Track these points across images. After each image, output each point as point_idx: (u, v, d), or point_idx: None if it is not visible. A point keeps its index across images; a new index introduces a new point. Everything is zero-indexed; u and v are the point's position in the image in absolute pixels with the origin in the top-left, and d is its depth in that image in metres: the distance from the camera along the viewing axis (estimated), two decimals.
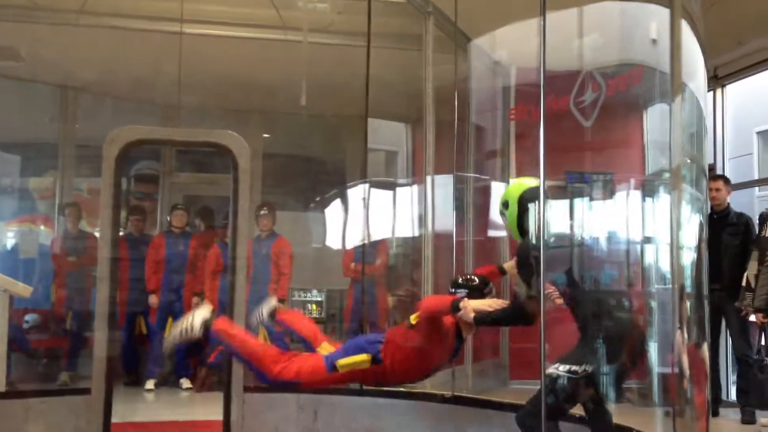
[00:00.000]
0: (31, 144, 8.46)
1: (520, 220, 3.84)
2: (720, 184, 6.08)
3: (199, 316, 4.03)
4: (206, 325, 3.98)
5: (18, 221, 8.20)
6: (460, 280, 4.12)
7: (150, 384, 7.06)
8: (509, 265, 4.31)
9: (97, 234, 7.71)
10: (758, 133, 8.15)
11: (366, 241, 7.06)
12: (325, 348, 4.18)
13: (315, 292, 9.01)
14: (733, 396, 6.42)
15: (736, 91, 7.26)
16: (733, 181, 6.44)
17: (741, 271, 5.75)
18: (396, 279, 7.93)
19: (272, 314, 4.61)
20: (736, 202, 6.47)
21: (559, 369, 3.59)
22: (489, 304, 3.81)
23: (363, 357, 3.86)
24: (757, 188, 7.72)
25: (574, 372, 3.56)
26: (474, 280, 4.08)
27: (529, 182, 3.91)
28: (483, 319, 3.78)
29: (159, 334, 7.00)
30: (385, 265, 7.42)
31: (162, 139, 5.92)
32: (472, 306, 3.75)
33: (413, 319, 3.92)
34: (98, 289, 5.30)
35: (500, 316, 3.81)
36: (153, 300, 7.19)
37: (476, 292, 3.96)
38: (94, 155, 8.08)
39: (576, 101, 5.65)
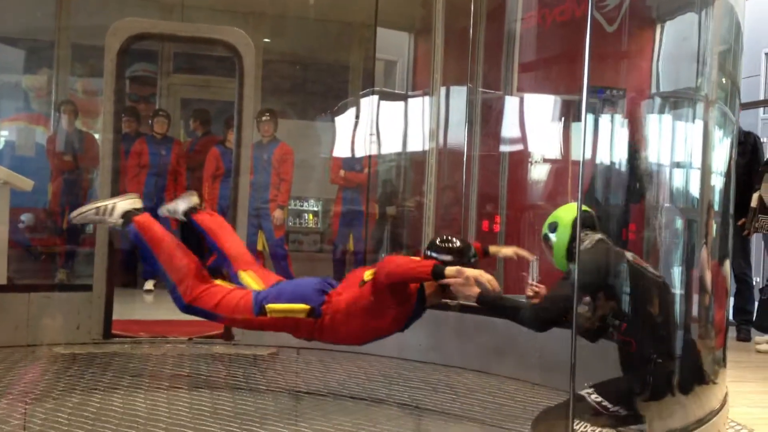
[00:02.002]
0: (25, 40, 8.21)
1: (569, 246, 3.39)
2: None
3: (122, 204, 3.55)
4: (126, 217, 3.51)
5: (13, 119, 8.04)
6: (439, 242, 3.47)
7: (149, 284, 7.07)
8: (497, 249, 3.76)
9: (93, 134, 7.66)
10: (766, 54, 8.02)
11: (372, 153, 6.97)
12: (249, 279, 3.61)
13: (312, 201, 8.98)
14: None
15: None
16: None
17: (747, 191, 5.73)
18: (392, 191, 7.88)
19: (189, 212, 3.84)
20: (742, 123, 6.40)
21: (591, 396, 3.23)
22: (488, 279, 3.20)
23: (300, 307, 3.33)
24: (762, 109, 7.65)
25: (605, 408, 3.22)
26: (457, 244, 3.44)
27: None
28: (490, 302, 3.33)
29: None
30: (373, 174, 7.28)
31: (165, 33, 5.76)
32: (469, 275, 3.14)
33: (368, 275, 3.35)
34: (100, 185, 5.27)
35: (514, 308, 3.41)
36: None
37: (460, 261, 3.32)
38: (90, 54, 7.95)
39: (599, 4, 5.46)
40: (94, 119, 8.22)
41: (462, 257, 3.36)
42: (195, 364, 4.91)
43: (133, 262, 7.28)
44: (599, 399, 3.22)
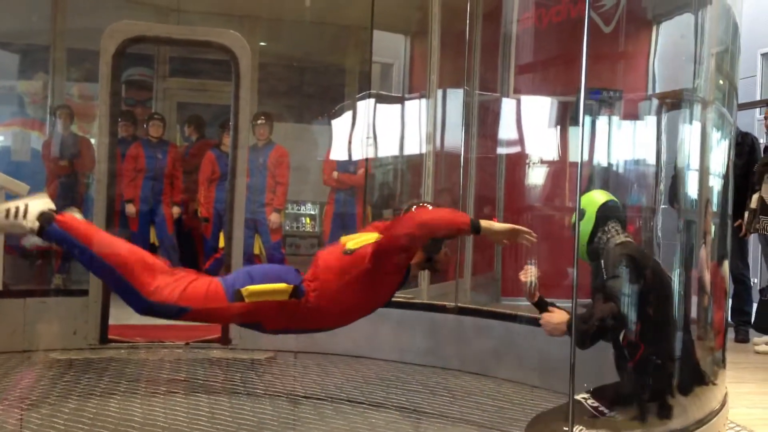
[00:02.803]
0: (20, 44, 8.19)
1: (592, 236, 3.31)
2: None
3: (34, 204, 2.87)
4: (44, 218, 2.83)
5: (7, 124, 8.02)
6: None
7: None
8: (489, 224, 3.00)
9: (89, 138, 7.64)
10: (763, 54, 8.02)
11: (369, 156, 6.94)
12: None
13: (309, 205, 8.96)
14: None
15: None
16: None
17: (744, 191, 5.72)
18: (389, 193, 7.87)
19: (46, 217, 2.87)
20: (739, 123, 6.40)
21: (588, 402, 3.18)
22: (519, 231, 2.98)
23: (281, 286, 2.89)
24: (758, 110, 7.64)
25: (601, 413, 3.16)
26: None
27: (607, 195, 3.40)
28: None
29: (145, 242, 7.03)
30: (364, 176, 7.21)
31: (161, 36, 5.74)
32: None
33: (353, 244, 3.02)
34: (96, 189, 5.24)
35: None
36: (130, 209, 7.10)
37: None
38: (86, 58, 7.92)
39: (595, 5, 5.45)
40: (91, 123, 8.18)
41: None
42: (192, 369, 4.89)
43: None
44: (596, 404, 3.17)
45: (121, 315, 5.58)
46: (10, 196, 5.54)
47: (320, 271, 2.99)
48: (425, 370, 5.05)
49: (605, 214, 3.33)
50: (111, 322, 5.28)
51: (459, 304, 5.27)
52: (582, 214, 3.33)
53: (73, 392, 4.25)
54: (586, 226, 3.33)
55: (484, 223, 2.90)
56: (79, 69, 8.12)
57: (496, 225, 2.95)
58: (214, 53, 6.21)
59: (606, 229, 3.32)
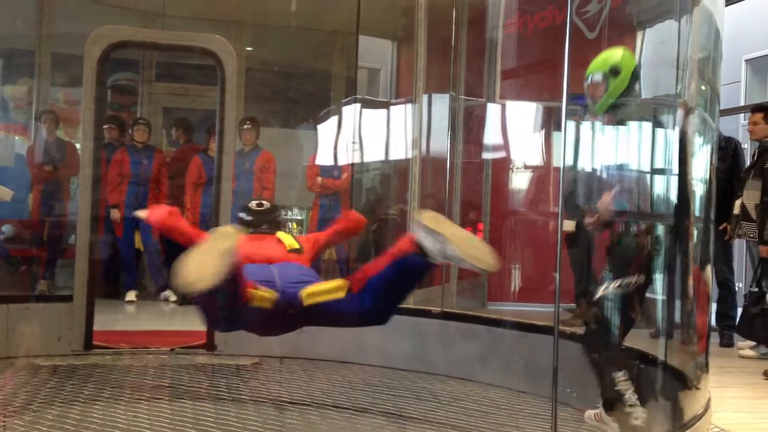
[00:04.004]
0: (3, 48, 8.14)
1: (623, 94, 3.40)
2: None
3: None
4: None
5: None
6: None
7: (131, 295, 7.01)
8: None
9: (74, 143, 7.60)
10: (747, 60, 8.09)
11: (355, 161, 6.93)
12: None
13: (296, 210, 8.93)
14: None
15: (725, 17, 7.13)
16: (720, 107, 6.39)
17: (728, 196, 5.75)
18: (375, 198, 7.86)
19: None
20: (724, 129, 6.44)
21: (610, 287, 3.32)
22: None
23: (336, 284, 2.98)
24: (742, 116, 7.70)
25: (627, 284, 3.31)
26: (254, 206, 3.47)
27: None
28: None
29: (130, 247, 7.00)
30: (348, 181, 7.19)
31: (145, 41, 5.72)
32: None
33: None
34: (80, 194, 5.22)
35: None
36: (115, 214, 7.05)
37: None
38: (71, 63, 7.89)
39: (579, 11, 5.48)
40: (76, 128, 8.14)
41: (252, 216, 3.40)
42: (177, 375, 4.87)
43: (114, 272, 7.22)
44: (618, 282, 3.29)
45: (106, 321, 5.57)
46: None
47: None
48: (411, 375, 5.05)
49: (637, 73, 3.40)
50: (96, 328, 5.26)
51: (444, 309, 5.28)
52: (617, 71, 3.38)
53: (56, 399, 4.22)
54: (621, 83, 3.39)
55: None
56: (65, 74, 8.08)
57: None
58: (200, 58, 6.21)
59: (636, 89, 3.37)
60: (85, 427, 3.76)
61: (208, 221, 6.31)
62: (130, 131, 7.49)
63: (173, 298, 7.13)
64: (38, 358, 4.96)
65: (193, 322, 5.80)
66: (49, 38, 7.76)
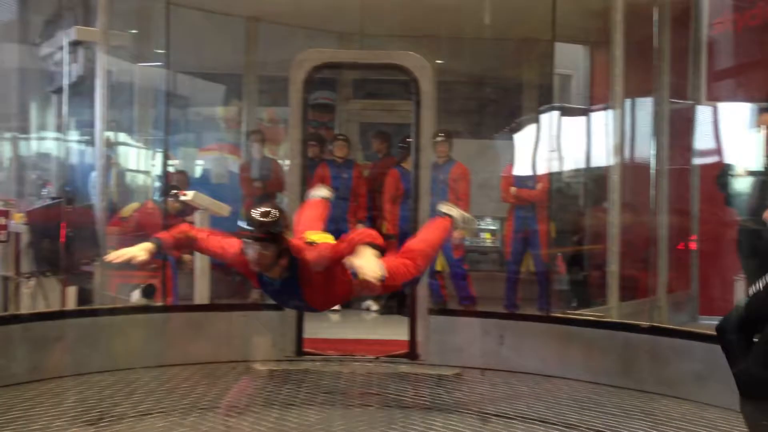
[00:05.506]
0: (218, 74, 8.81)
1: None
2: None
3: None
4: None
5: (207, 149, 8.63)
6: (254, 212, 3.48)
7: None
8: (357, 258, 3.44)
9: (278, 160, 8.08)
10: None
11: (552, 170, 6.79)
12: None
13: (489, 220, 8.91)
14: None
15: None
16: None
17: None
18: (574, 210, 7.67)
19: None
20: None
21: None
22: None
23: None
24: None
25: None
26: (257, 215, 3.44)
27: None
28: None
29: None
30: (545, 191, 7.01)
31: (345, 61, 5.98)
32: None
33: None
34: (289, 208, 5.51)
35: None
36: None
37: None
38: (274, 86, 8.40)
39: None
40: (278, 146, 8.66)
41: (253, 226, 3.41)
42: (383, 383, 5.01)
43: None
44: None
45: (314, 329, 5.85)
46: (215, 218, 5.98)
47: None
48: (619, 391, 4.87)
49: None
50: (305, 335, 5.54)
51: (653, 324, 5.05)
52: None
53: (275, 402, 4.49)
54: None
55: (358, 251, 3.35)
56: (268, 95, 8.59)
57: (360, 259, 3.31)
58: (395, 74, 6.39)
59: None
60: (303, 431, 3.96)
61: (407, 234, 6.46)
62: (329, 147, 7.82)
63: (374, 307, 7.36)
64: (256, 363, 5.30)
65: (395, 332, 6.01)
66: (256, 63, 8.28)
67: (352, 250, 3.39)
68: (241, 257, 3.51)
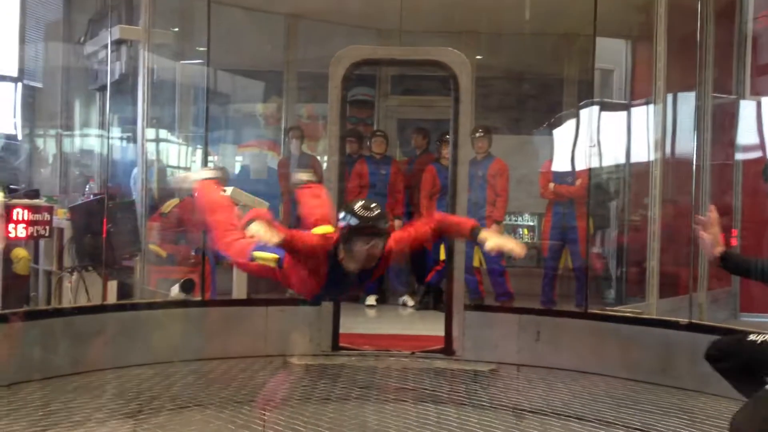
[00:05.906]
0: (258, 71, 8.89)
1: None
2: None
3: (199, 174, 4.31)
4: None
5: (246, 145, 8.72)
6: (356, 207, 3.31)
7: (371, 299, 7.34)
8: (486, 234, 3.44)
9: (316, 156, 8.14)
10: None
11: (592, 166, 6.71)
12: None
13: (527, 216, 8.86)
14: None
15: None
16: None
17: None
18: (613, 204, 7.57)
19: None
20: None
21: None
22: (511, 247, 3.39)
23: (272, 256, 3.61)
24: None
25: None
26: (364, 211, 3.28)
27: None
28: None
29: None
30: (584, 187, 6.92)
31: (384, 58, 5.99)
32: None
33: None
34: None
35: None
36: None
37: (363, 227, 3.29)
38: (314, 82, 8.47)
39: None
40: (317, 142, 8.71)
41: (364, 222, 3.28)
42: (418, 378, 5.02)
43: None
44: None
45: (350, 324, 5.89)
46: None
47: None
48: (656, 389, 4.81)
49: None
50: (341, 330, 5.57)
51: (693, 320, 4.97)
52: None
53: (311, 396, 4.53)
54: None
55: (483, 232, 3.48)
56: (307, 91, 8.65)
57: (491, 236, 3.47)
58: (433, 70, 6.38)
59: None
60: (339, 425, 3.99)
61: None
62: (368, 143, 7.85)
63: (411, 303, 7.38)
64: (292, 358, 5.35)
65: (431, 327, 6.01)
66: (295, 59, 8.35)
67: (435, 235, 3.64)
68: (318, 250, 3.41)
